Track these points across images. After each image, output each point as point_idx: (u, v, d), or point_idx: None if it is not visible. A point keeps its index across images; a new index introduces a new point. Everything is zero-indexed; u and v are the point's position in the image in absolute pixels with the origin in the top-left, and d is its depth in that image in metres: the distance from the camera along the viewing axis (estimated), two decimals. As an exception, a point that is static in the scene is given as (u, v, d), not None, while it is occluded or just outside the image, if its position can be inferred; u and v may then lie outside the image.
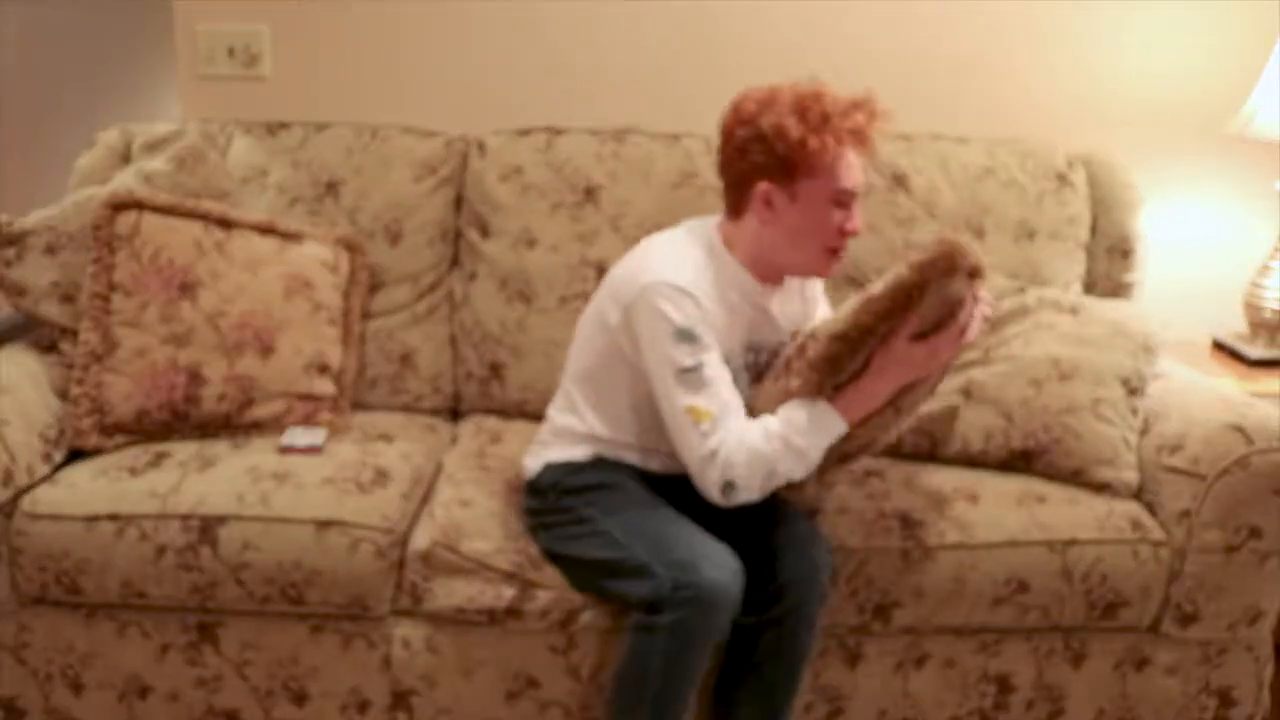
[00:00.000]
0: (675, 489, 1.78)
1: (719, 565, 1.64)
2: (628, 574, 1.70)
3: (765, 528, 1.79)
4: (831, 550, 1.81)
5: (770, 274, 1.82)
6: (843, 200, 1.77)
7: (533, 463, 1.90)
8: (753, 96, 1.79)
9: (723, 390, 1.69)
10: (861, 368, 1.69)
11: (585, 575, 1.79)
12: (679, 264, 1.74)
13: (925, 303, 1.64)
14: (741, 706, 1.79)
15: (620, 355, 1.78)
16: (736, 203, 1.79)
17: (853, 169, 1.77)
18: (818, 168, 1.73)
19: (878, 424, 1.75)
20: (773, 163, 1.73)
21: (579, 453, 1.85)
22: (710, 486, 1.68)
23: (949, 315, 1.68)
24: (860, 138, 1.75)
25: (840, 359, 1.67)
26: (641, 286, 1.71)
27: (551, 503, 1.84)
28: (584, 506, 1.79)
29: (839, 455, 1.76)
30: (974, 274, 1.67)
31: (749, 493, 1.68)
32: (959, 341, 1.71)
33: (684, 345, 1.68)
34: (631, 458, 1.84)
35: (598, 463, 1.84)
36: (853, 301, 1.69)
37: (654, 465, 1.84)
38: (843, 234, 1.79)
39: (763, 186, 1.74)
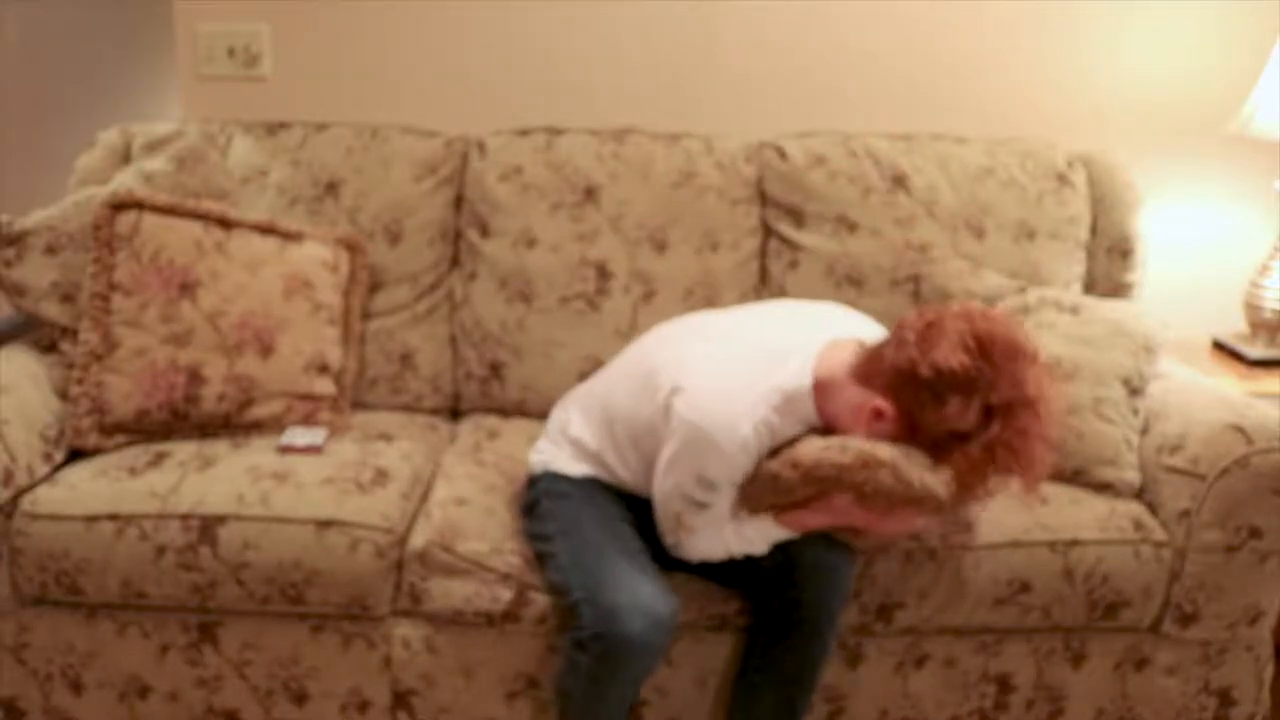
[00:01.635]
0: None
1: (642, 615, 1.63)
2: (564, 602, 1.74)
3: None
4: (851, 549, 1.81)
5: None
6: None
7: (537, 461, 1.91)
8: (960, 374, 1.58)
9: (715, 519, 1.71)
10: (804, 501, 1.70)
11: (551, 577, 1.81)
12: (747, 412, 1.65)
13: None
14: (760, 700, 1.80)
15: (652, 426, 1.74)
16: (863, 374, 1.65)
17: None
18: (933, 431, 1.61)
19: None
20: (908, 390, 1.60)
21: (577, 469, 1.86)
22: (667, 539, 1.78)
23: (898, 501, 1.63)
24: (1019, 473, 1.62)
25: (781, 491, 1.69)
26: (693, 421, 1.65)
27: (539, 505, 1.86)
28: (550, 520, 1.81)
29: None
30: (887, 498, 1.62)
31: (685, 553, 1.77)
32: (891, 527, 1.71)
33: (703, 489, 1.68)
34: (628, 487, 1.84)
35: (587, 482, 1.84)
36: (816, 448, 1.66)
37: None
38: None
39: (877, 407, 1.63)
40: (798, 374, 1.68)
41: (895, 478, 1.59)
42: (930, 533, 1.83)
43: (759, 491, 1.69)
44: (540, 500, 1.85)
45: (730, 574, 1.80)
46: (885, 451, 1.61)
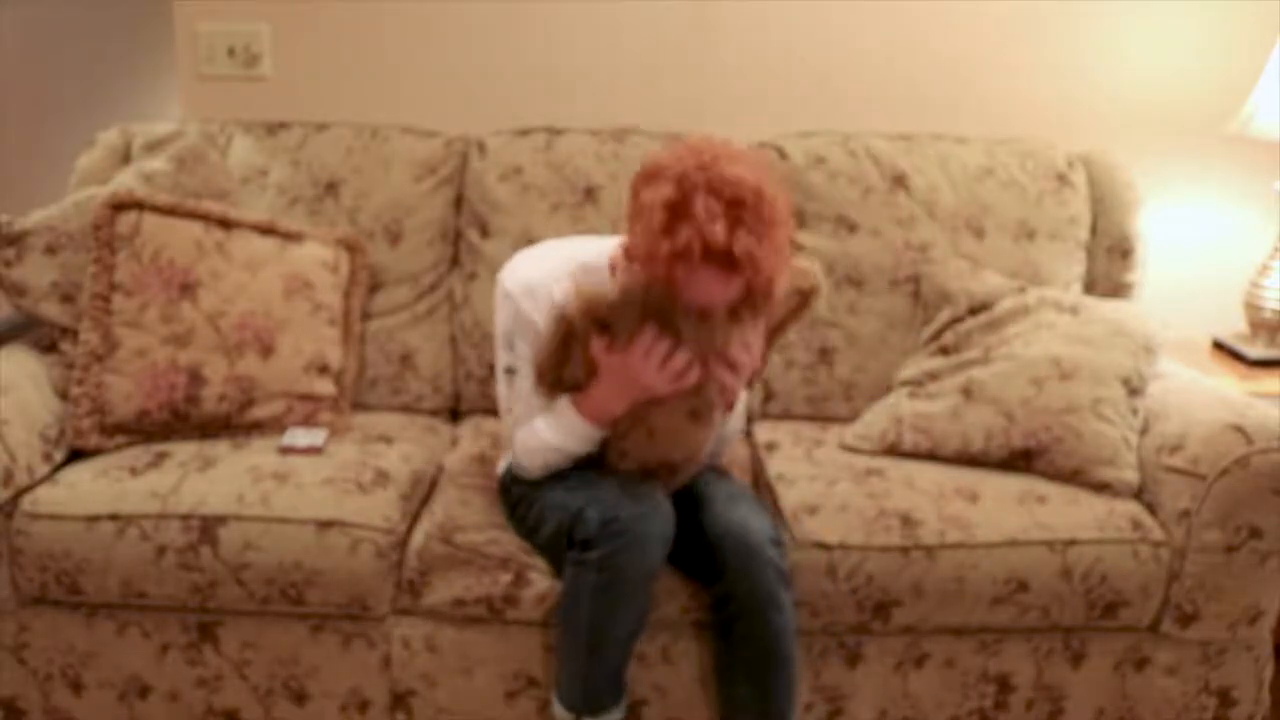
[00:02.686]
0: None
1: (645, 503, 1.73)
2: (568, 527, 1.76)
3: (706, 517, 1.80)
4: (775, 525, 1.82)
5: None
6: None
7: (501, 463, 1.97)
8: (649, 164, 1.68)
9: (525, 401, 1.83)
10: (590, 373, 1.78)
11: (552, 556, 1.83)
12: (529, 262, 1.85)
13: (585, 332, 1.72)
14: (736, 686, 1.80)
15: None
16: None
17: (705, 292, 1.65)
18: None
19: (634, 440, 1.81)
20: (639, 222, 1.67)
21: None
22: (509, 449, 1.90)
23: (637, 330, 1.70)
24: (715, 255, 1.59)
25: (546, 366, 1.78)
26: (499, 279, 1.84)
27: (515, 495, 1.90)
28: (532, 488, 1.87)
29: (662, 465, 1.83)
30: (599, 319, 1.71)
31: (535, 473, 1.86)
32: (655, 366, 1.70)
33: (506, 348, 1.84)
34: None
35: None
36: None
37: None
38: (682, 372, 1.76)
39: (629, 247, 1.71)
40: (599, 251, 1.83)
41: (612, 294, 1.69)
42: (708, 392, 1.78)
43: (538, 355, 1.77)
44: (510, 488, 1.92)
45: (693, 568, 1.82)
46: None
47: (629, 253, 1.71)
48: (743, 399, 1.87)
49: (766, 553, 1.75)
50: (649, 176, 1.65)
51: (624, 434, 1.81)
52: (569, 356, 1.77)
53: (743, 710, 1.79)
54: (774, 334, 1.84)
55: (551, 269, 1.82)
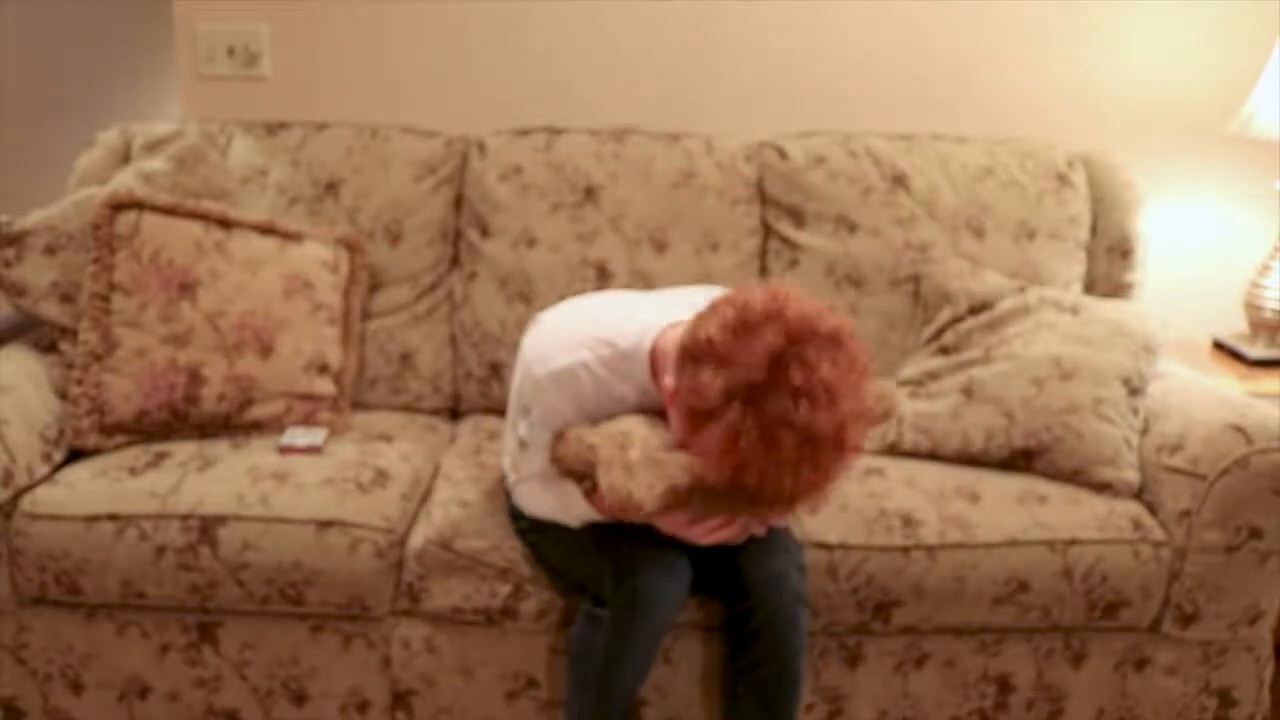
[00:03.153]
0: None
1: (660, 567, 1.67)
2: (582, 570, 1.75)
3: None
4: (802, 548, 1.80)
5: None
6: None
7: (506, 460, 1.91)
8: (733, 342, 1.42)
9: (535, 465, 1.74)
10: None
11: (557, 573, 1.82)
12: (567, 339, 1.68)
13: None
14: (742, 702, 1.79)
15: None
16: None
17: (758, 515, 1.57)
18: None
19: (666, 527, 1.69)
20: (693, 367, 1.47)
21: None
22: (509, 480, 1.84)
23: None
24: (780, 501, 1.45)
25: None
26: (523, 348, 1.75)
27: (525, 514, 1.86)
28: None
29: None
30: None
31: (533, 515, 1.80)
32: (690, 531, 1.64)
33: (523, 418, 1.74)
34: None
35: None
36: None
37: None
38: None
39: (670, 387, 1.54)
40: (638, 337, 1.63)
41: (612, 463, 1.51)
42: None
43: (556, 447, 1.67)
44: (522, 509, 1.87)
45: (702, 581, 1.79)
46: (610, 442, 1.53)
47: (658, 368, 1.57)
48: None
49: (792, 578, 1.74)
50: (709, 361, 1.41)
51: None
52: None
53: None
54: None
55: (576, 344, 1.66)
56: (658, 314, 1.66)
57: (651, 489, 1.49)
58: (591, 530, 1.74)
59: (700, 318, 1.47)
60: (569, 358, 1.64)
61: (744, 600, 1.74)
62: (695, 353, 1.43)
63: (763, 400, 1.38)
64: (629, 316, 1.68)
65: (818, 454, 1.39)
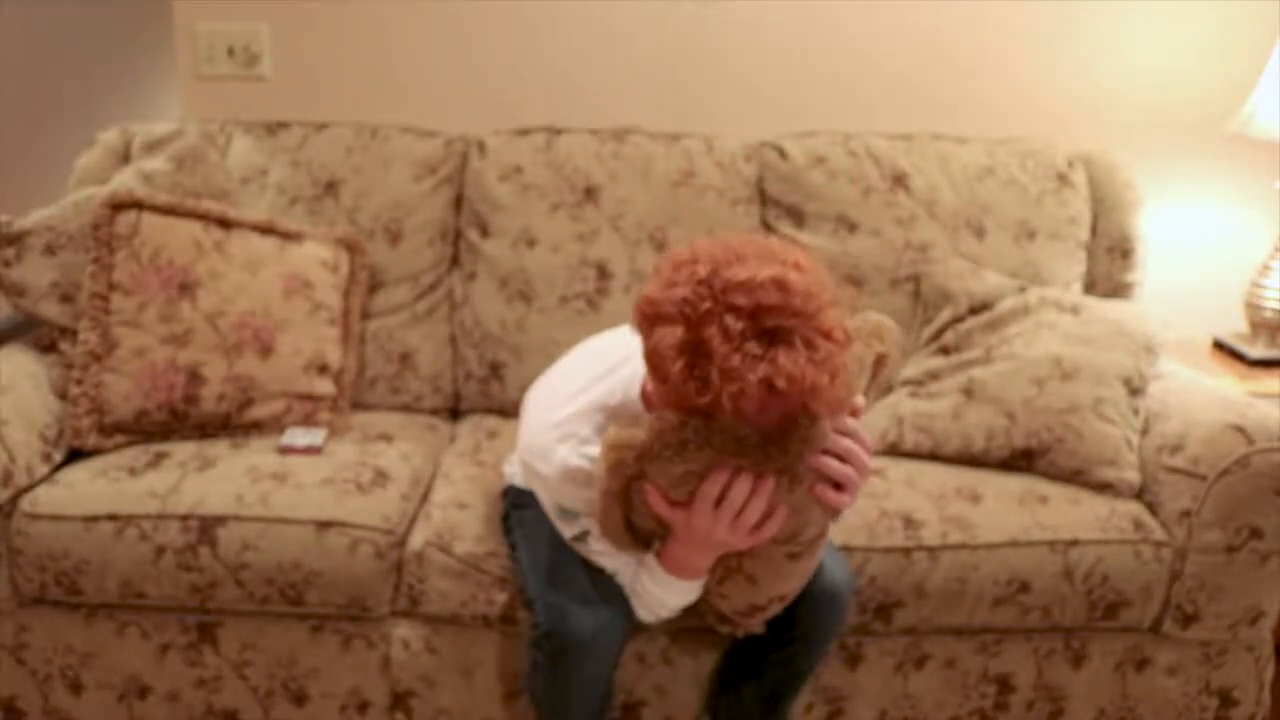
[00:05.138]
0: None
1: (592, 615, 1.59)
2: (526, 602, 1.73)
3: None
4: (855, 581, 1.77)
5: None
6: None
7: (508, 473, 1.91)
8: (645, 302, 1.35)
9: (607, 551, 1.62)
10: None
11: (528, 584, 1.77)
12: (562, 436, 1.55)
13: (642, 484, 1.44)
14: (740, 699, 1.79)
15: None
16: None
17: (750, 418, 1.35)
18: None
19: (732, 586, 1.58)
20: (666, 360, 1.34)
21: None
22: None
23: (694, 486, 1.42)
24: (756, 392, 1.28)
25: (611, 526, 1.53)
26: (526, 462, 1.62)
27: (509, 518, 1.85)
28: (517, 529, 1.81)
29: (773, 600, 1.61)
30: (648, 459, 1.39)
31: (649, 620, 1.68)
32: (726, 522, 1.41)
33: (567, 522, 1.63)
34: None
35: None
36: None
37: None
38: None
39: (651, 390, 1.47)
40: (625, 384, 1.55)
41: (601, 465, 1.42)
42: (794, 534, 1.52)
43: (598, 516, 1.52)
44: (510, 512, 1.85)
45: None
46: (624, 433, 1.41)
47: (651, 403, 1.48)
48: None
49: (846, 601, 1.71)
50: (650, 318, 1.33)
51: (721, 580, 1.59)
52: (628, 510, 1.50)
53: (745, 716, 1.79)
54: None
55: (563, 427, 1.55)
56: (630, 353, 1.53)
57: (603, 459, 1.41)
58: (556, 546, 1.68)
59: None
60: (567, 442, 1.54)
61: (791, 610, 1.64)
62: (643, 314, 1.34)
63: (705, 306, 1.28)
64: (605, 371, 1.59)
65: (780, 339, 1.27)
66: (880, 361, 1.51)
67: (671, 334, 1.29)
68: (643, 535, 1.55)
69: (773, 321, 1.27)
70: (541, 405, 1.64)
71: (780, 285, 1.27)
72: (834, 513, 1.48)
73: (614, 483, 1.43)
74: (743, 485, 1.40)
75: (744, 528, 1.42)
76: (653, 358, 1.33)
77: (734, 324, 1.26)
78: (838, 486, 1.42)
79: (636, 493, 1.46)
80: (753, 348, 1.26)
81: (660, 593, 1.59)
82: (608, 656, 1.65)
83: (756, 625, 1.66)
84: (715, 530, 1.42)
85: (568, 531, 1.64)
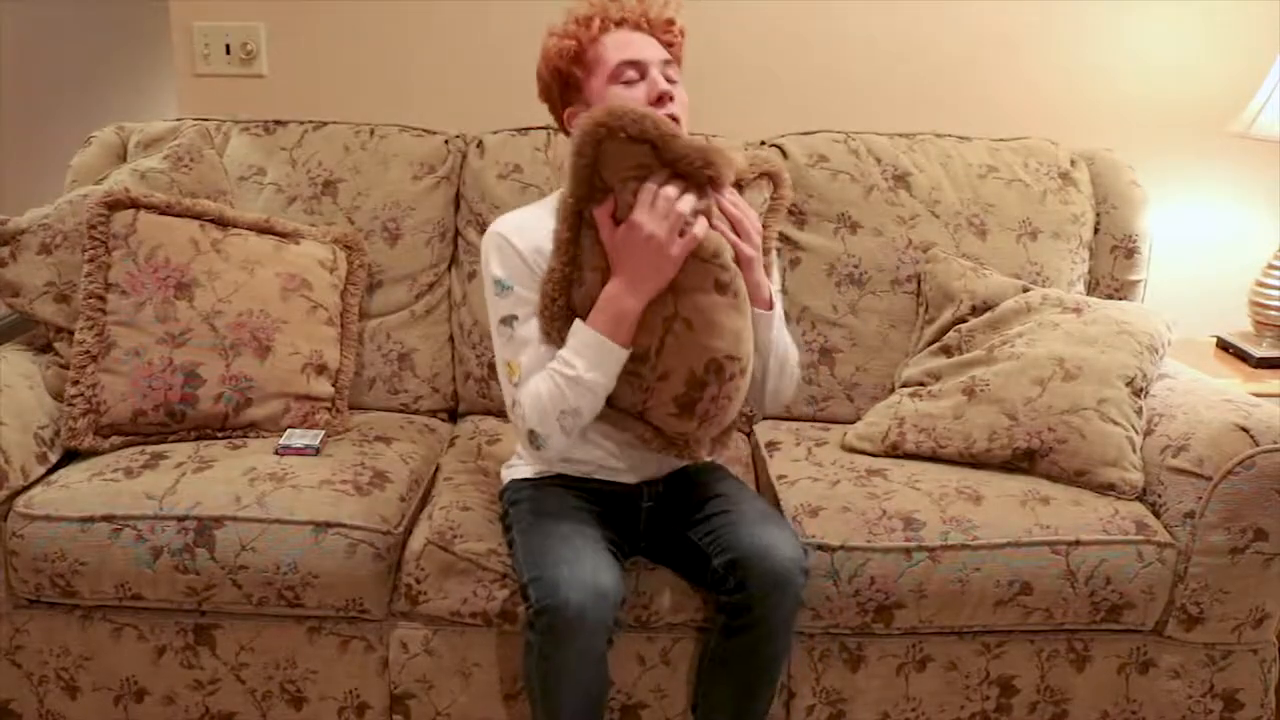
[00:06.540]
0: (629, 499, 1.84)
1: (582, 587, 1.60)
2: (522, 590, 1.72)
3: (733, 531, 1.73)
4: (804, 550, 1.77)
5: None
6: (628, 78, 1.72)
7: (505, 474, 1.93)
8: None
9: (532, 348, 1.70)
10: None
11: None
12: (518, 211, 1.83)
13: (603, 180, 1.63)
14: (718, 689, 1.79)
15: None
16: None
17: (628, 44, 1.74)
18: (589, 64, 1.75)
19: (671, 345, 1.66)
20: (555, 85, 1.79)
21: (530, 470, 1.88)
22: (522, 439, 1.72)
23: (636, 188, 1.62)
24: (625, 14, 1.75)
25: (556, 276, 1.69)
26: (485, 237, 1.79)
27: (507, 515, 1.86)
28: (514, 522, 1.81)
29: (712, 366, 1.67)
30: (654, 143, 1.60)
31: (554, 438, 1.68)
32: (662, 215, 1.60)
33: (500, 293, 1.74)
34: (583, 458, 1.83)
35: (546, 480, 1.85)
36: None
37: (591, 462, 1.83)
38: (654, 104, 1.69)
39: (567, 114, 1.79)
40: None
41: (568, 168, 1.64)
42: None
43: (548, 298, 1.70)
44: (507, 511, 1.86)
45: (695, 572, 1.79)
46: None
47: (570, 119, 1.76)
48: (785, 326, 1.88)
49: (797, 582, 1.71)
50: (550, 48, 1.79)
51: (660, 348, 1.66)
52: (578, 252, 1.67)
53: (720, 710, 1.80)
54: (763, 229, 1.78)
55: (522, 210, 1.84)
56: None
57: (573, 137, 1.63)
58: (549, 527, 1.72)
59: None
60: (521, 214, 1.82)
61: (739, 593, 1.69)
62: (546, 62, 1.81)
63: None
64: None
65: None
66: (774, 181, 1.86)
67: (546, 38, 1.77)
68: (570, 313, 1.68)
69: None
70: (509, 213, 1.86)
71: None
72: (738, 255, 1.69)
73: (583, 154, 1.61)
74: (675, 185, 1.62)
75: (676, 219, 1.61)
76: (547, 60, 1.79)
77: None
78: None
79: (587, 227, 1.66)
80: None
81: (583, 366, 1.65)
82: (600, 629, 1.64)
83: (701, 448, 1.77)
84: (653, 224, 1.60)
85: (501, 306, 1.73)
